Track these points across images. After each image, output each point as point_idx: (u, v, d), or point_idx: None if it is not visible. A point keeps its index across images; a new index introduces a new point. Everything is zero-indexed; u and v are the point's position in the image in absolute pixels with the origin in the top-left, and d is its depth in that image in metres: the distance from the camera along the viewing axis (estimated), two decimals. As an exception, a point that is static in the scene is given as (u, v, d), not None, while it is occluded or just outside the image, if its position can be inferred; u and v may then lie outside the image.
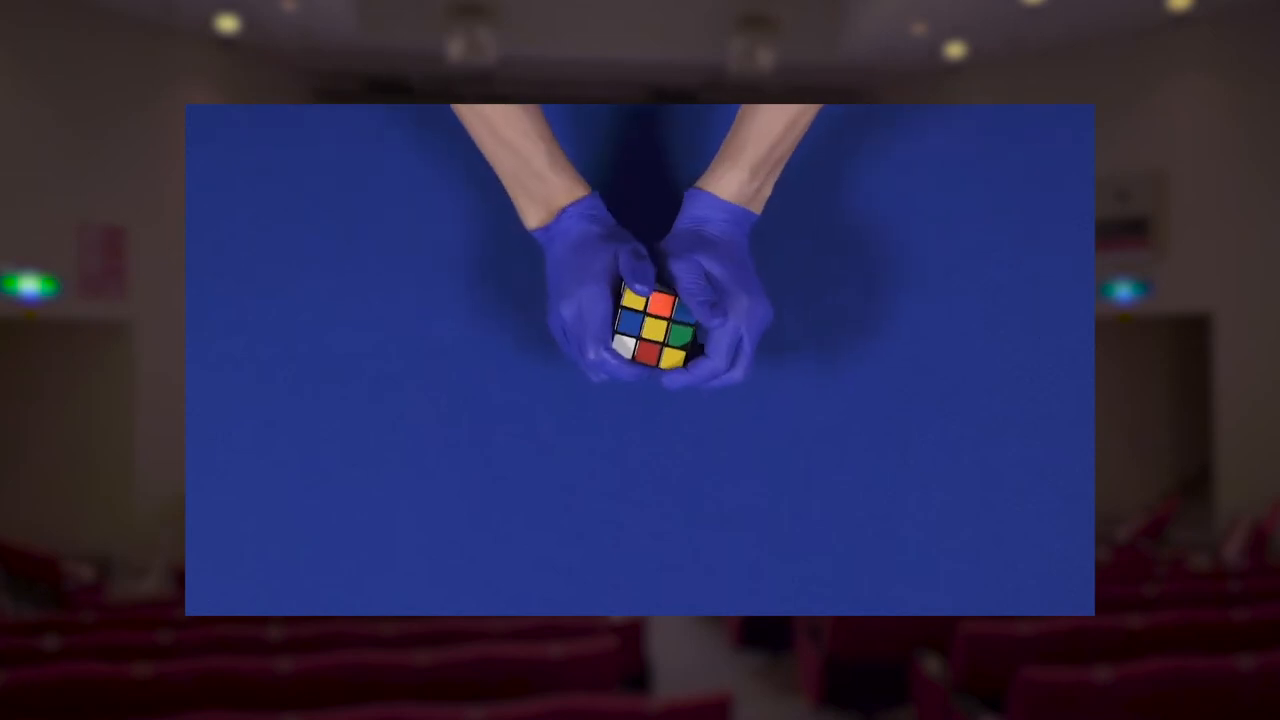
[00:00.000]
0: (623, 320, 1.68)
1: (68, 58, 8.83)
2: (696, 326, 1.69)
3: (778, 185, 1.88)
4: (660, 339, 1.68)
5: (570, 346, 1.67)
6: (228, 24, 9.36)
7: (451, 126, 1.89)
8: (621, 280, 1.67)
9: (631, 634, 3.82)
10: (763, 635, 5.45)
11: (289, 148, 1.87)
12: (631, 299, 1.68)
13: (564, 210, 1.68)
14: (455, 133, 1.89)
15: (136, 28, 9.39)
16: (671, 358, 1.68)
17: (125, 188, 9.21)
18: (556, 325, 1.67)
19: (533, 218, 1.70)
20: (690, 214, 1.71)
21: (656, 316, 1.68)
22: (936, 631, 3.85)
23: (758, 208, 1.71)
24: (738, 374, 1.67)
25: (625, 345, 1.68)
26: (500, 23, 9.85)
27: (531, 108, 1.70)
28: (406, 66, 11.18)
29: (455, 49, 9.60)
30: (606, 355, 1.65)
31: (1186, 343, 10.68)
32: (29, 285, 8.41)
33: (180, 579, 6.39)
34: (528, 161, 1.68)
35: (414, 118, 1.89)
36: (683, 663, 5.53)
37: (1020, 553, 1.79)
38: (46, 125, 8.66)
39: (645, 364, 1.68)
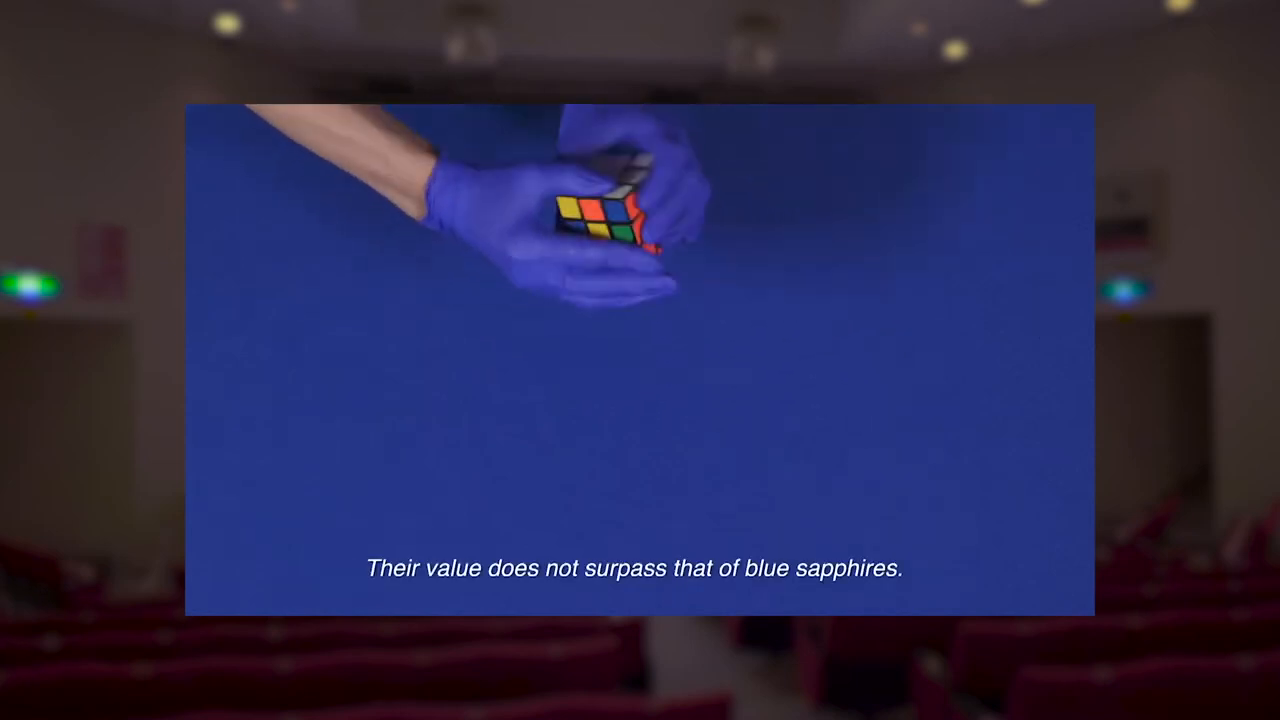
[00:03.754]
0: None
1: (68, 58, 8.82)
2: (634, 224, 1.62)
3: (779, 186, 1.88)
4: None
5: (547, 280, 1.63)
6: (228, 24, 9.35)
7: (450, 126, 1.89)
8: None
9: (631, 634, 3.81)
10: (763, 635, 5.45)
11: (289, 148, 1.87)
12: (567, 208, 1.61)
13: (429, 194, 1.65)
14: (454, 132, 1.89)
15: (136, 28, 9.38)
16: None
17: (125, 188, 9.21)
18: (527, 278, 1.63)
19: (411, 209, 1.68)
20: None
21: (595, 221, 1.62)
22: (936, 631, 3.84)
23: None
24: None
25: None
26: (500, 23, 9.85)
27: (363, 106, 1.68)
28: (406, 66, 11.17)
29: (455, 49, 9.60)
30: (545, 248, 1.60)
31: (1186, 343, 10.67)
32: (29, 285, 8.41)
33: (180, 579, 6.38)
34: (372, 151, 1.65)
35: (413, 117, 1.89)
36: (683, 663, 5.53)
37: (1020, 553, 1.79)
38: (46, 125, 8.66)
39: None
